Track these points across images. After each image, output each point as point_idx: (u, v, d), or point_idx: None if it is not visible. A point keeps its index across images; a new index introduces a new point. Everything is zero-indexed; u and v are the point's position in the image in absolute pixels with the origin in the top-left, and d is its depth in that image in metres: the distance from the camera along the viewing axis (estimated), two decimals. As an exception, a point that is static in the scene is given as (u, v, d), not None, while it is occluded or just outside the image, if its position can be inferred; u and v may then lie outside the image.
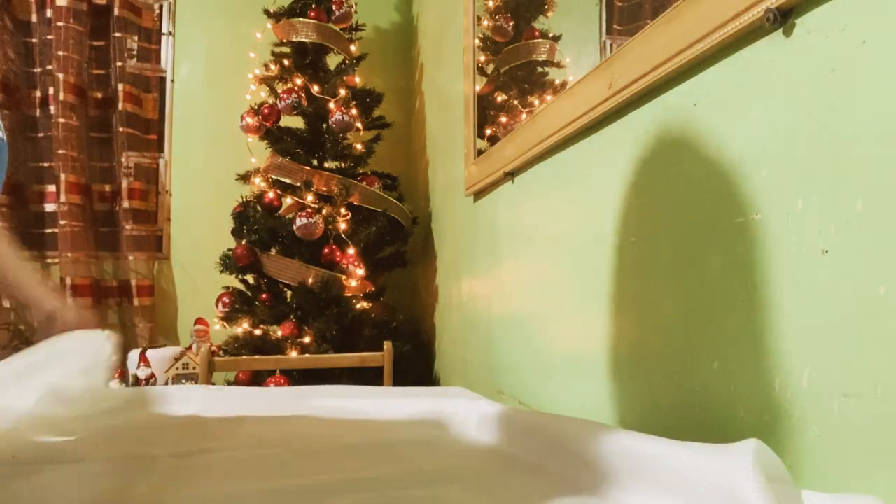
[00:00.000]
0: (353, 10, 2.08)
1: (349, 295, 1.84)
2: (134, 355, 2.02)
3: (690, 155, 0.62)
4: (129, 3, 2.40)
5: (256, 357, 1.60)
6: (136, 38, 2.44)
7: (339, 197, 1.88)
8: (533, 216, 1.07)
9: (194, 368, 1.93)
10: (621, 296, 0.75)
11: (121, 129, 2.36)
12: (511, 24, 1.35)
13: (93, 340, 0.78)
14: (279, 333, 1.80)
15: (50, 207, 2.35)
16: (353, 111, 1.96)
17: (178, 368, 1.94)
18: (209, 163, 2.47)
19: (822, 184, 0.45)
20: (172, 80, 2.49)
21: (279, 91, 1.98)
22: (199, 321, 2.15)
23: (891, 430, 0.39)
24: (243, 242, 1.89)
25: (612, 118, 0.78)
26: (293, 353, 1.73)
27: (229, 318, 1.88)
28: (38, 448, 0.65)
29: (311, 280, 1.80)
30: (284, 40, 2.03)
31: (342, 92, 1.97)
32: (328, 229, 1.84)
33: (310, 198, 1.87)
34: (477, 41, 1.44)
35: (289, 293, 1.91)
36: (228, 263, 1.90)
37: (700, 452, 0.43)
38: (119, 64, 2.38)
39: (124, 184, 2.37)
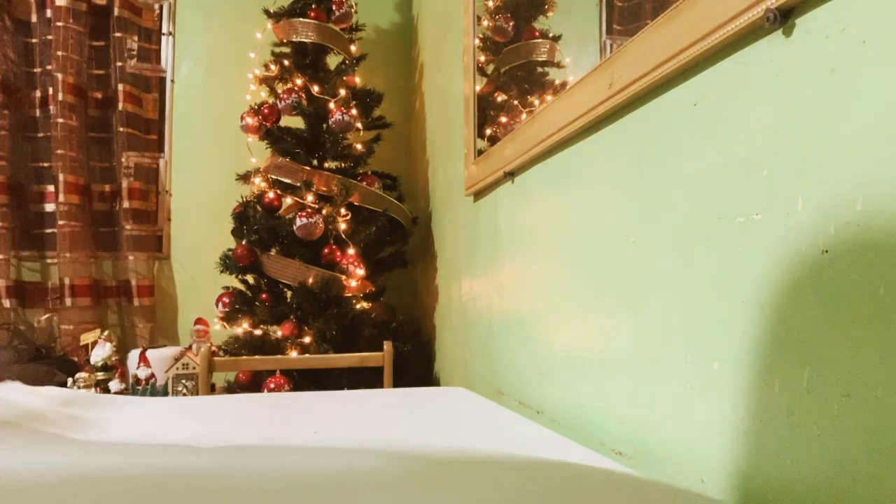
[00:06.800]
0: (353, 10, 2.08)
1: (349, 295, 1.84)
2: (134, 355, 2.02)
3: (690, 155, 0.62)
4: (129, 3, 2.40)
5: (256, 357, 1.60)
6: (136, 38, 2.44)
7: (339, 197, 1.88)
8: (533, 216, 1.07)
9: (194, 368, 1.93)
10: (621, 296, 0.75)
11: (121, 129, 2.36)
12: (511, 24, 1.35)
13: None
14: (279, 333, 1.80)
15: (50, 207, 2.35)
16: (353, 111, 1.96)
17: (178, 368, 1.94)
18: (209, 163, 2.47)
19: (822, 184, 0.45)
20: (172, 80, 2.49)
21: (279, 91, 1.99)
22: (199, 321, 2.15)
23: (891, 431, 0.39)
24: (243, 242, 1.89)
25: (612, 118, 0.78)
26: (293, 354, 1.73)
27: (229, 318, 1.88)
28: None
29: (311, 280, 1.80)
30: (284, 40, 2.03)
31: (342, 92, 1.97)
32: (328, 229, 1.84)
33: (310, 198, 1.87)
34: (477, 41, 1.44)
35: (289, 293, 1.91)
36: (228, 263, 1.90)
37: None
38: (119, 64, 2.38)
39: (124, 184, 2.37)
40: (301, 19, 1.99)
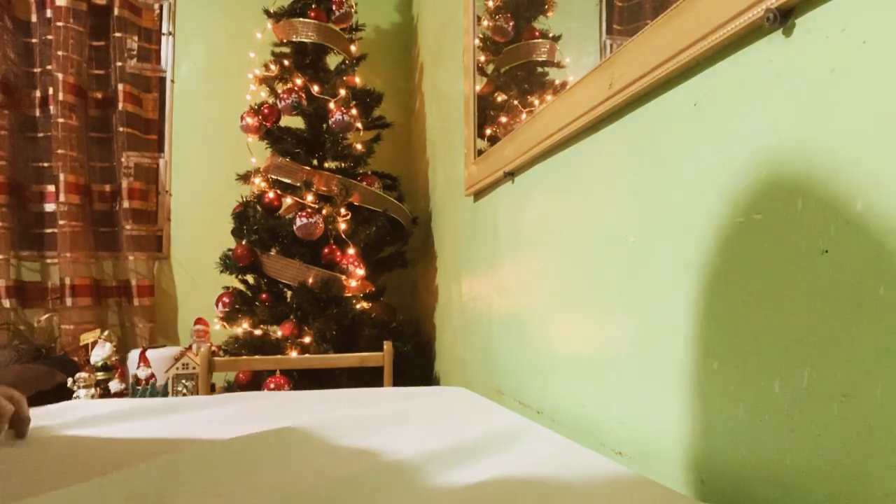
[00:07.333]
0: (353, 10, 2.08)
1: (349, 295, 1.84)
2: (134, 355, 2.02)
3: (690, 155, 0.62)
4: (129, 3, 2.40)
5: (256, 357, 1.60)
6: (136, 38, 2.44)
7: (339, 197, 1.88)
8: (533, 216, 1.07)
9: (194, 368, 1.93)
10: (621, 296, 0.75)
11: (121, 129, 2.36)
12: (511, 24, 1.35)
13: None
14: (279, 333, 1.80)
15: (50, 207, 2.35)
16: (353, 111, 1.96)
17: (178, 368, 1.94)
18: (209, 163, 2.47)
19: (822, 184, 0.45)
20: (172, 80, 2.49)
21: (279, 91, 1.99)
22: (199, 321, 2.15)
23: (891, 431, 0.39)
24: (243, 242, 1.89)
25: (612, 118, 0.78)
26: (293, 353, 1.73)
27: (229, 318, 1.88)
28: None
29: (311, 280, 1.80)
30: (284, 40, 2.03)
31: (342, 92, 1.97)
32: (328, 229, 1.84)
33: (310, 198, 1.87)
34: (477, 41, 1.44)
35: (289, 293, 1.91)
36: (228, 263, 1.90)
37: None
38: (119, 64, 2.38)
39: (124, 184, 2.37)
40: (301, 19, 1.99)
